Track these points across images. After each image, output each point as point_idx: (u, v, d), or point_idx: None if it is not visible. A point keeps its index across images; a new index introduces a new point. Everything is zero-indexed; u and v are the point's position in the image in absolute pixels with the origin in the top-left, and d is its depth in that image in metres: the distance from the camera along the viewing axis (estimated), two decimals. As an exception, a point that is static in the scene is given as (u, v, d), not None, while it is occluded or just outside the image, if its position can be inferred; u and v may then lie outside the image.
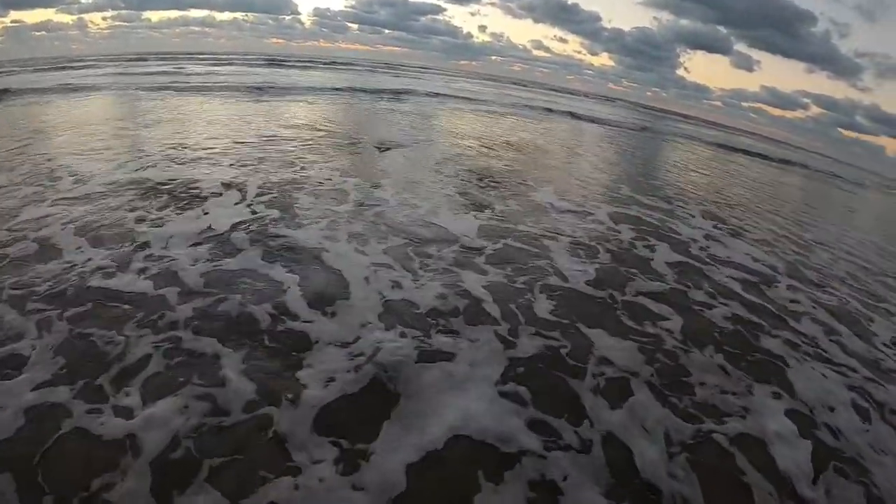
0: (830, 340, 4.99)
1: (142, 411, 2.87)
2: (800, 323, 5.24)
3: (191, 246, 4.98)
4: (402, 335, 3.82)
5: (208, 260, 4.71)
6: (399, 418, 3.02)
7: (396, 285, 4.54)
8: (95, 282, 4.19)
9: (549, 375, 3.60)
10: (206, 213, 5.86)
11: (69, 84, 19.81)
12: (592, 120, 29.94)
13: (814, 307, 5.74)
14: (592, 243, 6.29)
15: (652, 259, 6.14)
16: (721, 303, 5.29)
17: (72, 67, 30.56)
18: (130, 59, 40.83)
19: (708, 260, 6.54)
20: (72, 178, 7.11)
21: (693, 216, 8.86)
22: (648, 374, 3.77)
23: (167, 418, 2.83)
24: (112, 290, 4.08)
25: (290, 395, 3.08)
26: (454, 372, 3.47)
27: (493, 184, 8.72)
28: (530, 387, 3.42)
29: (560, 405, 3.31)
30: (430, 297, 4.40)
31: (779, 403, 3.78)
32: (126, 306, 3.87)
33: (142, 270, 4.41)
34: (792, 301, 5.79)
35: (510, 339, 3.94)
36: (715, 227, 8.45)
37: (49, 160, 8.08)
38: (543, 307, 4.50)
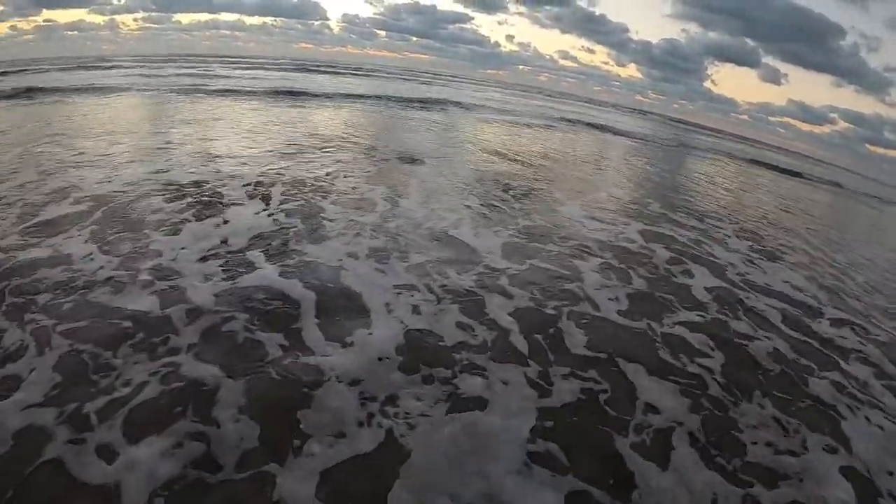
0: (883, 385, 4.48)
1: (125, 450, 2.54)
2: (848, 362, 4.73)
3: (205, 258, 4.67)
4: (427, 379, 3.36)
5: (222, 275, 4.38)
6: (412, 491, 2.56)
7: (419, 312, 4.14)
8: (100, 295, 3.89)
9: (588, 428, 3.15)
10: (226, 222, 5.57)
11: (98, 84, 19.79)
12: (620, 132, 28.87)
13: (861, 343, 5.23)
14: (624, 265, 5.84)
15: (688, 285, 5.67)
16: (764, 336, 4.82)
17: (102, 67, 30.62)
18: (160, 61, 41.04)
19: (746, 286, 6.05)
20: (95, 177, 6.90)
21: (728, 236, 8.35)
22: (694, 426, 3.31)
23: (151, 464, 2.48)
24: (115, 306, 3.77)
25: (295, 445, 2.70)
26: (479, 428, 3.01)
27: (519, 197, 8.34)
28: (567, 445, 2.98)
29: (603, 469, 2.86)
30: (455, 326, 4.00)
31: (834, 460, 3.32)
32: (128, 324, 3.56)
33: (149, 284, 4.11)
34: (838, 336, 5.27)
35: (542, 382, 3.48)
36: (751, 248, 7.95)
37: (74, 159, 7.91)
38: (576, 340, 4.06)
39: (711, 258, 6.86)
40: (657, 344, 4.27)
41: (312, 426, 2.85)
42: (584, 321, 4.40)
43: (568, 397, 3.37)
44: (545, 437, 3.01)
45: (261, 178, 7.38)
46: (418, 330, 3.90)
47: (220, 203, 6.20)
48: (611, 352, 3.97)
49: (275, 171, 7.94)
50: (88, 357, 3.21)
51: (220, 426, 2.76)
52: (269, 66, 41.64)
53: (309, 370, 3.30)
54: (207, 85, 21.54)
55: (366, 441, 2.81)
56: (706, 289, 5.64)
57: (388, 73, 54.89)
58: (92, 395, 2.89)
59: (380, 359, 3.49)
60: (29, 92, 16.52)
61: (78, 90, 17.94)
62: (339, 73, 41.79)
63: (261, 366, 3.29)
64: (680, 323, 4.71)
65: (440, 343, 3.78)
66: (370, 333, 3.76)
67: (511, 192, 8.57)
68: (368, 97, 24.03)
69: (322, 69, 44.24)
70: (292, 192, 6.87)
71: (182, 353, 3.32)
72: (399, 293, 4.40)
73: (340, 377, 3.26)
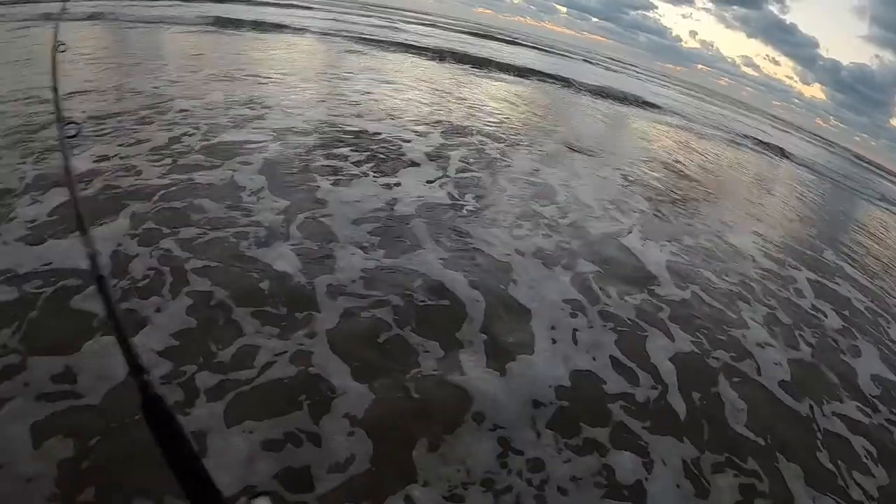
0: None
1: (220, 429, 2.35)
2: None
3: (365, 221, 4.50)
4: (583, 448, 2.79)
5: (378, 248, 4.11)
6: None
7: (577, 340, 3.70)
8: (249, 246, 3.77)
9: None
10: (397, 185, 5.46)
11: (282, 21, 20.41)
12: (803, 163, 24.73)
13: None
14: (790, 321, 5.12)
15: (853, 366, 4.82)
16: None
17: (287, 6, 30.60)
18: (343, 7, 40.79)
19: (919, 389, 5.06)
20: (277, 112, 7.15)
21: (906, 314, 7.23)
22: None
23: (244, 456, 2.26)
24: (260, 259, 3.63)
25: (404, 486, 2.30)
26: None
27: (689, 212, 7.74)
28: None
29: None
30: (614, 369, 3.52)
31: None
32: (268, 284, 3.39)
33: (300, 239, 3.98)
34: None
35: (696, 471, 2.92)
36: (930, 334, 6.87)
37: (257, 91, 8.24)
38: (735, 414, 3.50)
39: (883, 338, 5.79)
40: (818, 440, 3.59)
41: (431, 468, 2.41)
42: (744, 384, 3.85)
43: (723, 498, 2.83)
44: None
45: (441, 142, 7.33)
46: (580, 371, 3.41)
47: (395, 161, 6.14)
48: (770, 440, 3.39)
49: (456, 135, 7.89)
50: (222, 317, 3.02)
51: (332, 438, 2.43)
52: (448, 27, 41.31)
53: (453, 395, 2.88)
54: (388, 37, 21.77)
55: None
56: (872, 377, 4.75)
57: (568, 53, 52.47)
58: (209, 359, 2.70)
59: (535, 403, 3.03)
60: (216, 23, 17.32)
61: (263, 24, 18.63)
62: (517, 44, 40.82)
63: (400, 376, 2.90)
64: (842, 415, 3.97)
65: (601, 388, 3.32)
66: (530, 365, 3.32)
67: (681, 206, 7.96)
68: (549, 75, 23.00)
69: (501, 37, 42.91)
70: (470, 163, 6.75)
71: (317, 336, 3.02)
72: (563, 310, 4.01)
73: (485, 414, 2.80)
